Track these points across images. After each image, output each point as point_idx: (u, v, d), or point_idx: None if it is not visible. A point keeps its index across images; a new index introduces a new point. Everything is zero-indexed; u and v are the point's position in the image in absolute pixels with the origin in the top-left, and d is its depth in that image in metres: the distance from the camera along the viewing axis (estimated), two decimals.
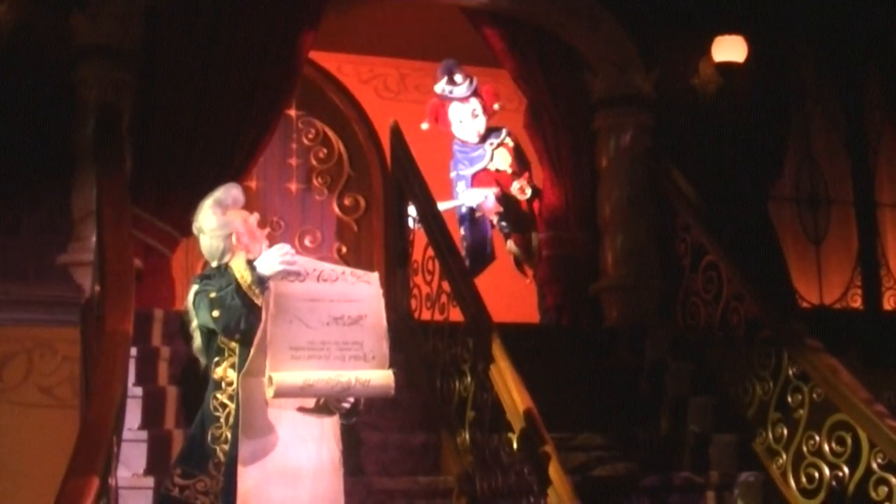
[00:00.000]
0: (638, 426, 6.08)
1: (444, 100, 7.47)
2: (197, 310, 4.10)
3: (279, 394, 3.83)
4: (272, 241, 4.24)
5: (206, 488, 4.02)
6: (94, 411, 3.95)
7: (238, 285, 3.95)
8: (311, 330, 3.88)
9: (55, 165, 6.11)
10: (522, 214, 7.46)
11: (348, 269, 4.05)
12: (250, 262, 3.98)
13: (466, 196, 7.39)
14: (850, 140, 8.34)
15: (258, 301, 3.93)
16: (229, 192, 4.33)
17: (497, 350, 4.95)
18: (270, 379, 3.81)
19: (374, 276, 4.06)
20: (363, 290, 3.99)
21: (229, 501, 3.94)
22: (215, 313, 3.97)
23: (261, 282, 3.91)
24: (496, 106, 7.48)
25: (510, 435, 4.70)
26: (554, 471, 4.39)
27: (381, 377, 3.95)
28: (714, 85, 7.57)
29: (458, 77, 7.40)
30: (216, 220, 4.23)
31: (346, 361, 3.90)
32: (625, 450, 5.83)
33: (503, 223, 7.43)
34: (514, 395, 4.73)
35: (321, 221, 8.71)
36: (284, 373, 3.82)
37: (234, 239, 4.21)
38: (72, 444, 3.76)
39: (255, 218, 4.31)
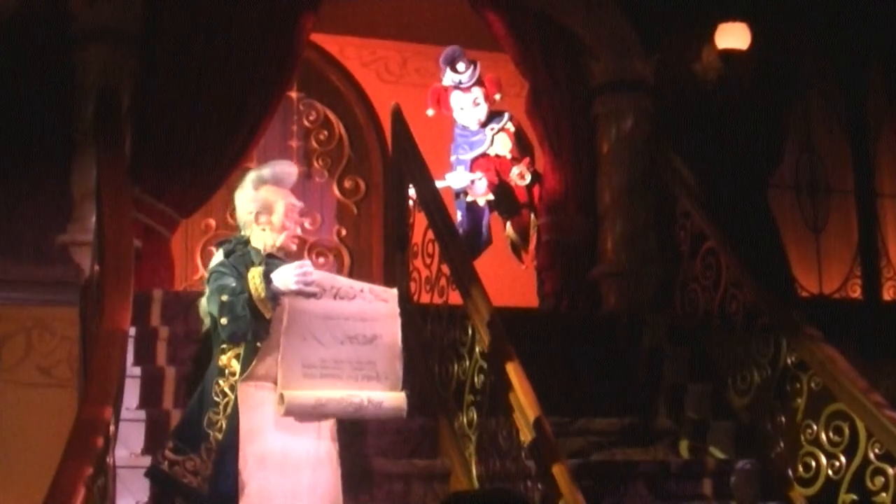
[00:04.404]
0: (635, 412, 6.08)
1: (446, 87, 7.44)
2: (209, 295, 4.03)
3: (290, 412, 3.81)
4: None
5: (196, 468, 3.98)
6: (93, 391, 3.96)
7: (251, 296, 3.91)
8: (324, 348, 3.84)
9: (55, 147, 6.10)
10: (517, 202, 7.42)
11: (367, 286, 3.99)
12: (267, 276, 3.92)
13: (453, 179, 7.37)
14: (850, 129, 8.31)
15: (268, 315, 3.89)
16: (273, 167, 4.30)
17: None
18: (282, 397, 3.79)
19: (393, 294, 4.01)
20: (379, 309, 3.95)
21: (218, 491, 3.93)
22: (223, 320, 3.91)
23: (274, 297, 3.87)
24: (497, 96, 7.46)
25: (515, 416, 4.70)
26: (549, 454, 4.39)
27: (393, 399, 3.94)
28: (715, 72, 7.55)
29: (460, 66, 7.36)
30: (247, 193, 4.22)
31: (359, 381, 3.87)
32: (622, 435, 5.83)
33: (498, 209, 7.42)
34: (513, 380, 4.73)
35: (321, 204, 8.69)
36: (296, 392, 3.80)
37: (254, 217, 4.18)
38: (70, 423, 3.78)
39: (298, 206, 4.27)
